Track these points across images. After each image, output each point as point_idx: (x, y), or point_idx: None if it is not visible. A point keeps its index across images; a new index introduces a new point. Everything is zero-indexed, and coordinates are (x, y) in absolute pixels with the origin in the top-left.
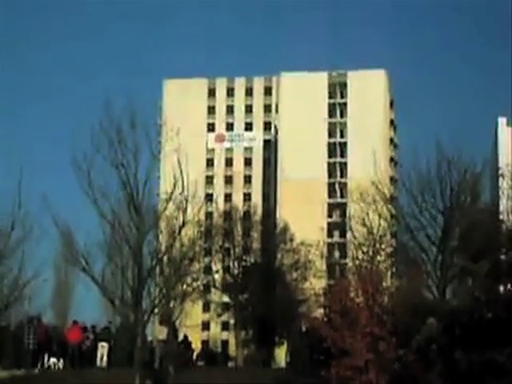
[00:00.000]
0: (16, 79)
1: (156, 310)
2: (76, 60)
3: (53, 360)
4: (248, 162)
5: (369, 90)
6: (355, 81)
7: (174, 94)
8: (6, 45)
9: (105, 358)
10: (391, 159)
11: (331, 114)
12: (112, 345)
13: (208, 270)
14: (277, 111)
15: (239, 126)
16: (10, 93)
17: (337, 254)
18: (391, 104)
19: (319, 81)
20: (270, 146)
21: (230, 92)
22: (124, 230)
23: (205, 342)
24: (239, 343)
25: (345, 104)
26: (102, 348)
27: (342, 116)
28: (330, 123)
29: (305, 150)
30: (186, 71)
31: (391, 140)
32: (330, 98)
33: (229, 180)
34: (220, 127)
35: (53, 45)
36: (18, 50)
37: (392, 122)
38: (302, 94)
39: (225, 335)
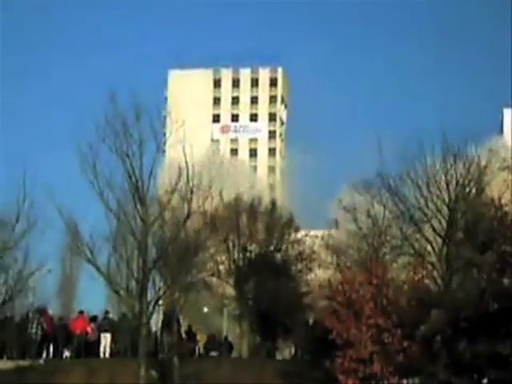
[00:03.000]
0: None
1: (161, 301)
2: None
3: (66, 353)
4: (253, 153)
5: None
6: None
7: (180, 84)
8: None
9: (108, 349)
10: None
11: None
12: (114, 335)
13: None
14: (282, 102)
15: (244, 116)
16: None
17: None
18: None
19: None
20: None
21: (236, 83)
22: (129, 221)
23: (211, 334)
24: (244, 334)
25: None
26: (105, 338)
27: None
28: None
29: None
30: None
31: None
32: None
33: None
34: (225, 118)
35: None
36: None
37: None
38: None
39: (229, 326)
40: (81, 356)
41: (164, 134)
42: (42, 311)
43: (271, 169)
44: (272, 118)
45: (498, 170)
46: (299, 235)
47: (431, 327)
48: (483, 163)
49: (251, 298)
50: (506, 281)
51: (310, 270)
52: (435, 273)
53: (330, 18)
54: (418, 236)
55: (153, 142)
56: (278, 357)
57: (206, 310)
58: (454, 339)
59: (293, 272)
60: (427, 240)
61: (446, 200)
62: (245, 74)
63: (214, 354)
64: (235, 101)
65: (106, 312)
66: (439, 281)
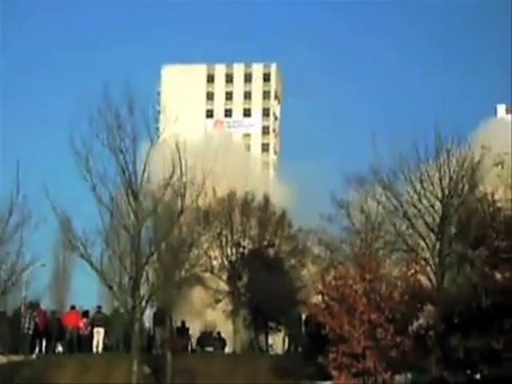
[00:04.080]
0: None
1: (154, 297)
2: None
3: (59, 348)
4: (246, 148)
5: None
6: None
7: (173, 79)
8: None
9: (100, 344)
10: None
11: None
12: (107, 330)
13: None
14: (276, 97)
15: (238, 112)
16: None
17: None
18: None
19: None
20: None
21: (229, 78)
22: (122, 216)
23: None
24: (237, 330)
25: None
26: (98, 334)
27: None
28: None
29: None
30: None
31: None
32: None
33: None
34: (219, 113)
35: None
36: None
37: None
38: None
39: (222, 321)
40: (73, 351)
41: (157, 129)
42: (34, 306)
43: (265, 164)
44: (265, 113)
45: (491, 166)
46: (292, 231)
47: (424, 322)
48: (476, 159)
49: (244, 293)
50: (498, 276)
51: (303, 265)
52: (428, 268)
53: (325, 14)
54: (411, 231)
55: (146, 137)
56: (272, 352)
57: (199, 305)
58: (447, 335)
59: (286, 267)
60: (420, 235)
61: (439, 196)
62: (238, 69)
63: (209, 349)
64: (228, 96)
65: (99, 307)
66: (432, 276)
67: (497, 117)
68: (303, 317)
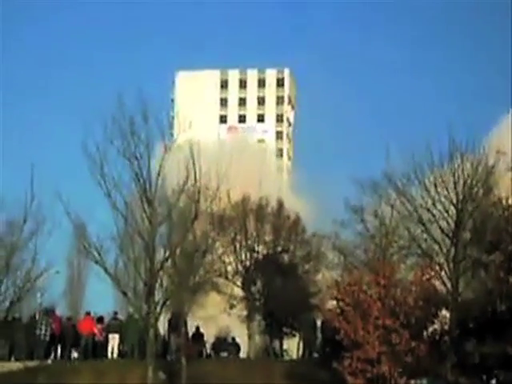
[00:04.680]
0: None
1: (168, 302)
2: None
3: (74, 354)
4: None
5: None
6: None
7: (187, 85)
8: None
9: (115, 350)
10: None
11: None
12: (122, 336)
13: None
14: (289, 103)
15: (252, 117)
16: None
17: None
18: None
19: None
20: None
21: (243, 84)
22: (137, 222)
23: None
24: (252, 335)
25: None
26: (113, 339)
27: None
28: None
29: None
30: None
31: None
32: None
33: None
34: (232, 119)
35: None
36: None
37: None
38: None
39: (237, 327)
40: (88, 357)
41: (171, 135)
42: (50, 312)
43: (279, 169)
44: (279, 118)
45: (505, 171)
46: (306, 236)
47: (439, 328)
48: (491, 163)
49: (259, 298)
50: None
51: (318, 270)
52: (443, 273)
53: (336, 20)
54: (425, 236)
55: (160, 143)
56: (286, 357)
57: (213, 310)
58: (462, 340)
59: (300, 273)
60: (435, 240)
61: (454, 200)
62: (252, 75)
63: (224, 354)
64: (242, 102)
65: (115, 313)
66: (447, 281)
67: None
68: (318, 322)
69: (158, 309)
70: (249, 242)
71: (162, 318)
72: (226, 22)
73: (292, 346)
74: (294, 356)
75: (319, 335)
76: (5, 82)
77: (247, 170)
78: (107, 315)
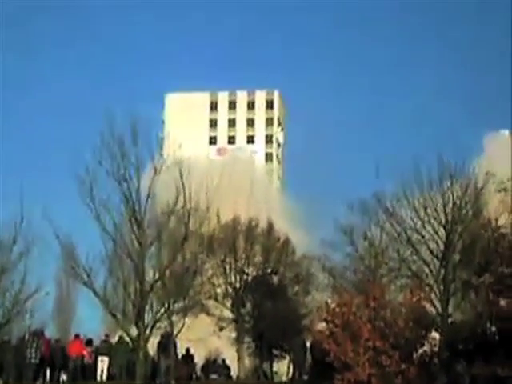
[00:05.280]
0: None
1: (158, 325)
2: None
3: (63, 377)
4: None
5: None
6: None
7: (176, 107)
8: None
9: (105, 372)
10: None
11: None
12: (112, 358)
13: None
14: (279, 124)
15: (241, 138)
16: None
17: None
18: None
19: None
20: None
21: (232, 105)
22: (126, 243)
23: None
24: (241, 357)
25: None
26: (102, 362)
27: None
28: None
29: None
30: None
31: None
32: None
33: None
34: (222, 140)
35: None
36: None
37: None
38: None
39: (227, 349)
40: (77, 379)
41: (161, 156)
42: (39, 334)
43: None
44: (269, 140)
45: (494, 192)
46: (296, 257)
47: (429, 349)
48: (480, 184)
49: (248, 320)
50: (503, 302)
51: (307, 292)
52: (433, 295)
53: (327, 40)
54: (415, 258)
55: (150, 164)
56: (276, 379)
57: (203, 332)
58: (452, 361)
59: (290, 294)
60: (424, 262)
61: (443, 222)
62: (241, 97)
63: (214, 376)
64: (232, 123)
65: (106, 335)
66: (437, 302)
67: (500, 139)
68: (308, 344)
69: (148, 331)
70: (238, 264)
71: (151, 339)
72: (215, 43)
73: (282, 368)
74: (284, 378)
75: (309, 357)
76: None
77: (237, 189)
78: (96, 337)
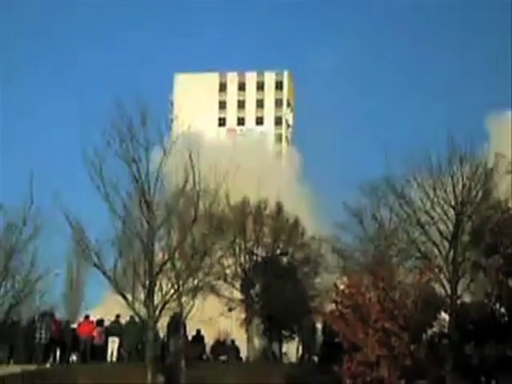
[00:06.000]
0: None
1: (168, 305)
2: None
3: (73, 357)
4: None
5: None
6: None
7: (186, 88)
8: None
9: (115, 353)
10: None
11: None
12: (122, 339)
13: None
14: (288, 105)
15: (250, 120)
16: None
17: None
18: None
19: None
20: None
21: (241, 86)
22: (135, 225)
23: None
24: (251, 338)
25: None
26: (113, 343)
27: None
28: None
29: None
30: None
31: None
32: None
33: None
34: (231, 121)
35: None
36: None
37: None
38: None
39: (236, 330)
40: (87, 360)
41: (170, 138)
42: (49, 315)
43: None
44: (278, 121)
45: (504, 173)
46: (305, 238)
47: (438, 330)
48: (490, 166)
49: (258, 301)
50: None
51: (317, 273)
52: (442, 276)
53: (337, 22)
54: (424, 239)
55: (159, 146)
56: (285, 360)
57: (212, 313)
58: (462, 342)
59: (299, 275)
60: (434, 243)
61: (453, 203)
62: (250, 78)
63: (223, 358)
64: (241, 104)
65: (117, 316)
66: (446, 284)
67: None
68: (317, 325)
69: (157, 312)
70: (248, 245)
71: (161, 320)
72: (224, 24)
73: (291, 349)
74: (293, 359)
75: (318, 338)
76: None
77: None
78: (106, 319)
